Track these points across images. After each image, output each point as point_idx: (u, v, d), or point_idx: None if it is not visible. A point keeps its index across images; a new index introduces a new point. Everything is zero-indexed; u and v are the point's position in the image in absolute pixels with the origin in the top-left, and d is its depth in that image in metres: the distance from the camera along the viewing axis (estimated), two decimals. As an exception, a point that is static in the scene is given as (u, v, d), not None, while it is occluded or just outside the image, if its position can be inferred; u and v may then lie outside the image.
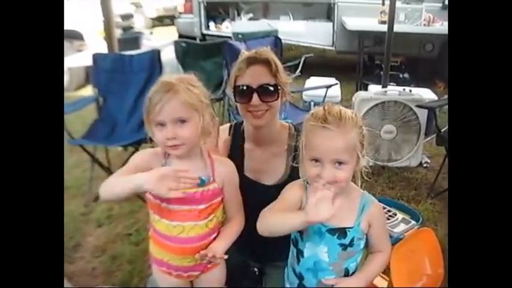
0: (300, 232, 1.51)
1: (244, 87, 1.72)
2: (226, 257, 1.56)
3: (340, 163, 1.36)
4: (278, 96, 1.74)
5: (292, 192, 1.52)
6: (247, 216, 1.69)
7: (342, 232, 1.46)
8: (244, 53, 1.82)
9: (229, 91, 1.81)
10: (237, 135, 1.91)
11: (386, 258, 1.60)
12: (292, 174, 1.74)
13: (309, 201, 1.29)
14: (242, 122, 1.90)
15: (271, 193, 1.56)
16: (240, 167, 1.78)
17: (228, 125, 1.97)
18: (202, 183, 1.58)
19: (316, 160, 1.37)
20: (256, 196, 1.62)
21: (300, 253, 1.53)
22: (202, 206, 1.59)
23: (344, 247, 1.47)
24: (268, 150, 1.86)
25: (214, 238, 1.65)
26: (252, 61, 1.74)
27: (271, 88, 1.72)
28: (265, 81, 1.72)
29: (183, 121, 1.49)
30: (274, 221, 1.44)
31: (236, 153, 1.85)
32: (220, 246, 1.58)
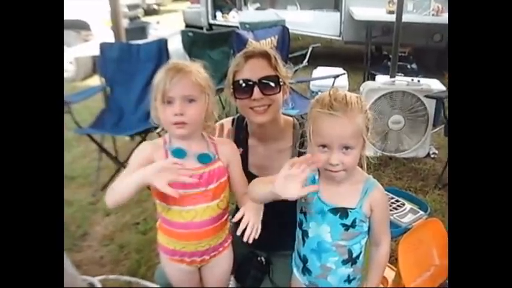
0: (304, 213, 1.53)
1: (244, 82, 1.68)
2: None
3: (347, 148, 1.38)
4: (280, 89, 1.70)
5: None
6: None
7: (343, 212, 1.47)
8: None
9: (227, 90, 1.75)
10: (241, 130, 1.88)
11: (386, 251, 1.60)
12: None
13: (280, 173, 1.33)
14: None
15: None
16: (243, 162, 1.77)
17: (230, 118, 1.94)
18: (209, 160, 1.59)
19: (324, 146, 1.39)
20: None
21: (304, 234, 1.55)
22: (212, 186, 1.60)
23: (346, 227, 1.48)
24: (273, 146, 1.84)
25: (226, 219, 1.68)
26: (250, 55, 1.70)
27: (272, 81, 1.68)
28: (266, 74, 1.67)
29: (191, 100, 1.52)
30: (253, 188, 1.53)
31: (240, 148, 1.81)
32: (255, 207, 1.56)
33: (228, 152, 1.67)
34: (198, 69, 1.56)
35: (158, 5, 16.72)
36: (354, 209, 1.48)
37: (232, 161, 1.67)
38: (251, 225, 1.49)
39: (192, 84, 1.52)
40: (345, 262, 1.53)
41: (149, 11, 15.42)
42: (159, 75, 1.53)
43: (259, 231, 1.50)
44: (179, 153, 1.56)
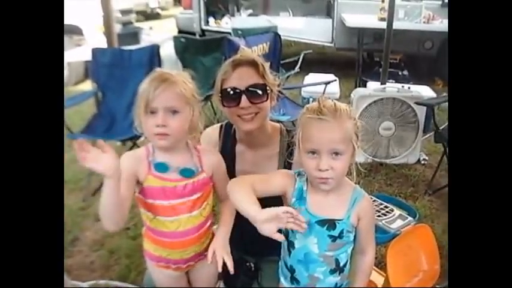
0: None
1: (232, 90, 1.67)
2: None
3: (336, 153, 1.39)
4: (267, 98, 1.70)
5: (278, 179, 1.56)
6: (240, 217, 1.68)
7: (331, 224, 1.47)
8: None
9: (215, 97, 1.74)
10: (228, 136, 1.88)
11: (371, 259, 1.62)
12: None
13: (272, 210, 1.33)
14: None
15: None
16: (230, 168, 1.78)
17: (218, 125, 1.94)
18: (191, 174, 1.59)
19: (313, 152, 1.40)
20: None
21: (290, 245, 1.55)
22: (195, 196, 1.60)
23: (333, 239, 1.48)
24: (260, 153, 1.84)
25: (210, 225, 1.69)
26: (237, 63, 1.69)
27: (260, 89, 1.68)
28: (253, 82, 1.67)
29: (174, 112, 1.50)
30: (237, 197, 1.49)
31: (227, 154, 1.81)
32: (223, 241, 1.63)
33: (212, 162, 1.67)
34: (184, 80, 1.55)
35: (162, 8, 16.78)
36: (341, 220, 1.48)
37: (216, 171, 1.68)
38: (227, 260, 1.57)
39: (177, 95, 1.50)
40: (332, 272, 1.54)
41: (151, 16, 15.46)
42: (144, 85, 1.51)
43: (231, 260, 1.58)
44: (161, 167, 1.56)
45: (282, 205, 1.50)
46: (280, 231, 1.57)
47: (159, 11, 16.47)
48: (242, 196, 1.47)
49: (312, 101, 1.52)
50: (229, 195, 1.52)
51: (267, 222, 1.32)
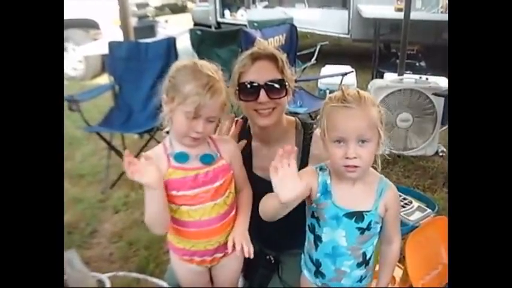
0: (317, 218, 1.52)
1: (250, 84, 1.65)
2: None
3: (363, 141, 1.38)
4: (286, 93, 1.68)
5: (301, 179, 1.52)
6: (258, 211, 1.69)
7: (359, 216, 1.46)
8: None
9: (231, 89, 1.67)
10: (244, 132, 1.86)
11: (398, 248, 1.62)
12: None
13: (273, 181, 1.32)
14: None
15: None
16: (248, 164, 1.77)
17: (235, 119, 1.91)
18: (211, 160, 1.59)
19: (340, 141, 1.38)
20: (266, 193, 1.62)
21: (317, 239, 1.54)
22: (217, 184, 1.60)
23: (362, 231, 1.48)
24: (276, 148, 1.80)
25: (234, 215, 1.69)
26: (257, 56, 1.67)
27: (279, 84, 1.66)
28: (273, 77, 1.65)
29: (212, 120, 1.52)
30: (263, 206, 1.50)
31: (244, 150, 1.78)
32: (243, 229, 1.65)
33: (229, 149, 1.66)
34: (223, 85, 1.53)
35: (191, 0, 16.77)
36: (369, 211, 1.47)
37: (234, 158, 1.67)
38: (246, 250, 1.57)
39: (220, 106, 1.51)
40: (359, 265, 1.54)
41: (177, 9, 15.47)
42: (193, 86, 1.45)
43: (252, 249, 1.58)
44: (182, 157, 1.55)
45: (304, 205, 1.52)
46: (303, 218, 1.58)
47: (188, 3, 16.42)
48: (268, 201, 1.47)
49: (329, 93, 1.51)
50: (262, 214, 1.51)
51: (292, 193, 1.32)
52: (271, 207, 1.45)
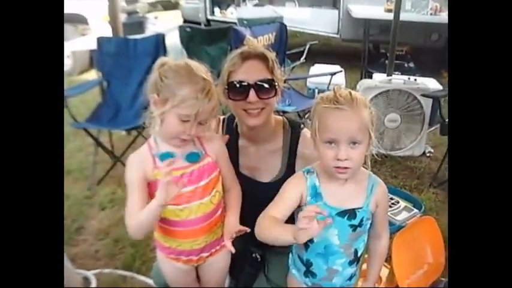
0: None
1: (240, 84, 1.63)
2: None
3: (354, 143, 1.37)
4: (275, 93, 1.67)
5: (290, 190, 1.51)
6: (245, 211, 1.68)
7: (351, 213, 1.46)
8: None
9: (219, 88, 1.65)
10: (231, 130, 1.85)
11: (387, 242, 1.64)
12: (288, 172, 1.74)
13: (298, 225, 1.28)
14: None
15: (267, 190, 1.55)
16: (234, 163, 1.76)
17: (220, 118, 1.90)
18: (197, 158, 1.58)
19: (331, 142, 1.37)
20: (252, 192, 1.62)
21: (308, 240, 1.53)
22: (203, 182, 1.59)
23: (354, 228, 1.48)
24: (263, 147, 1.81)
25: (220, 214, 1.68)
26: (247, 55, 1.65)
27: (269, 84, 1.64)
28: (262, 77, 1.64)
29: (203, 123, 1.52)
30: (268, 234, 1.44)
31: (230, 149, 1.76)
32: (235, 221, 1.64)
33: (215, 146, 1.65)
34: (215, 91, 1.52)
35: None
36: (361, 208, 1.48)
37: (220, 156, 1.66)
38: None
39: (211, 109, 1.50)
40: (350, 263, 1.54)
41: (170, 6, 15.38)
42: (190, 91, 1.44)
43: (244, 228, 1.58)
44: (167, 157, 1.53)
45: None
46: (291, 217, 1.55)
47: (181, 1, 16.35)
48: (272, 231, 1.43)
49: (318, 92, 1.51)
50: (261, 238, 1.47)
51: (306, 237, 1.29)
52: (275, 238, 1.42)
